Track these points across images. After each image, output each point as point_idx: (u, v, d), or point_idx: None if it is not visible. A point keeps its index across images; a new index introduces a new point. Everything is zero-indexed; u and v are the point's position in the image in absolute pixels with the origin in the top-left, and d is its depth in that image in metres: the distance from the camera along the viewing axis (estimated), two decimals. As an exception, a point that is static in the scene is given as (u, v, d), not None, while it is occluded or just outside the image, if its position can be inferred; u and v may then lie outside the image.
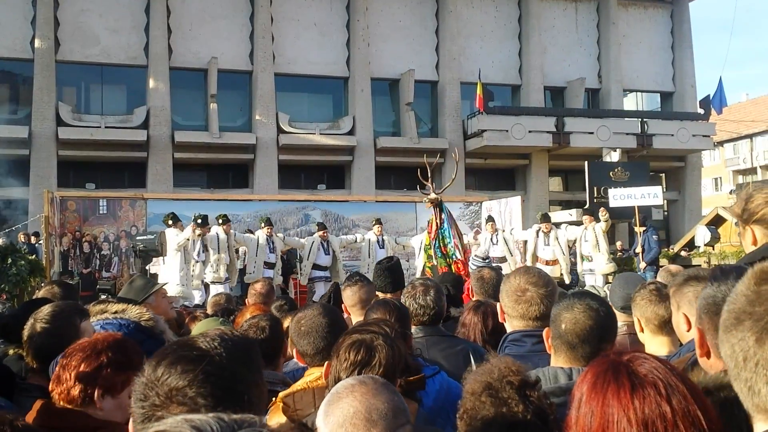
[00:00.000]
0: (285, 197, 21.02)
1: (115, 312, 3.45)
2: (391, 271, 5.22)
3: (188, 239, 12.96)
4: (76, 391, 2.32)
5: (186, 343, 1.62)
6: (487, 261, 13.59)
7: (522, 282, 3.16)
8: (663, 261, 15.37)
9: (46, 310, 3.00)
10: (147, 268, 13.18)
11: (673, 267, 5.64)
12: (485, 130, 27.30)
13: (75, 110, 25.31)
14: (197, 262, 13.48)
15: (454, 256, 10.25)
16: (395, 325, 2.73)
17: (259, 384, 1.62)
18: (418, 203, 18.96)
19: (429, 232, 10.70)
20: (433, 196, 10.49)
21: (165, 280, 12.44)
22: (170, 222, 13.28)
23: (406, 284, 4.61)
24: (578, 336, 2.57)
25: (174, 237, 12.98)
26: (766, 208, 2.72)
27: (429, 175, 10.92)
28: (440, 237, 10.38)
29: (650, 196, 15.55)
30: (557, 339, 2.62)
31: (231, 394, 1.51)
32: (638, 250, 14.93)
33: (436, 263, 10.20)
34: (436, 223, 10.44)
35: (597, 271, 14.44)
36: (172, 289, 12.43)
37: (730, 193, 41.48)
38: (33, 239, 16.03)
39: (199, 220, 13.45)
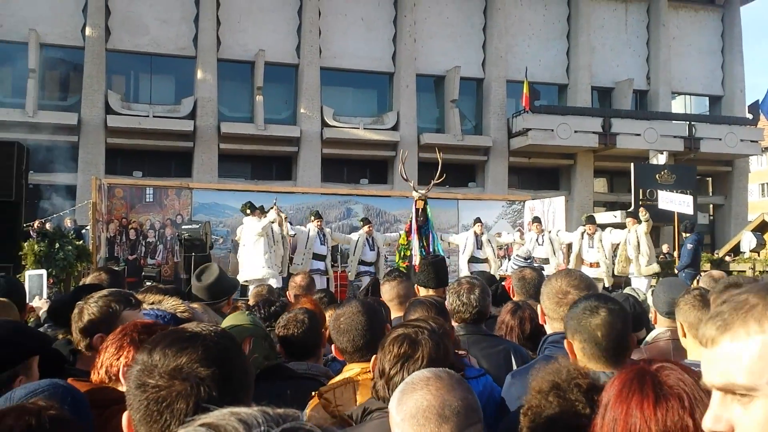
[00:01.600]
0: (327, 191, 21.10)
1: (152, 303, 3.50)
2: (435, 267, 5.14)
3: (272, 221, 13.08)
4: (103, 371, 2.42)
5: (175, 330, 1.64)
6: (529, 261, 13.48)
7: (563, 284, 3.14)
8: (706, 266, 15.11)
9: (95, 295, 3.08)
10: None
11: (716, 272, 5.55)
12: (530, 129, 27.13)
13: (124, 99, 25.70)
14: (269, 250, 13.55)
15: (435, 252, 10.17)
16: (444, 322, 2.73)
17: (248, 368, 1.63)
18: (461, 200, 18.94)
19: (407, 231, 10.56)
20: (422, 193, 10.45)
21: (248, 265, 12.84)
22: (248, 211, 13.36)
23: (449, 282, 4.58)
24: (614, 340, 2.54)
25: (254, 224, 13.07)
26: None
27: (404, 171, 10.95)
28: (423, 235, 10.29)
29: (684, 204, 15.33)
30: (593, 346, 2.56)
31: (227, 371, 1.52)
32: (675, 254, 14.79)
33: (416, 262, 9.95)
34: (418, 220, 10.37)
35: (636, 272, 14.28)
36: (260, 273, 12.82)
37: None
38: (69, 223, 16.29)
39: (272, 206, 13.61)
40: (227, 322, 3.43)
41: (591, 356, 2.57)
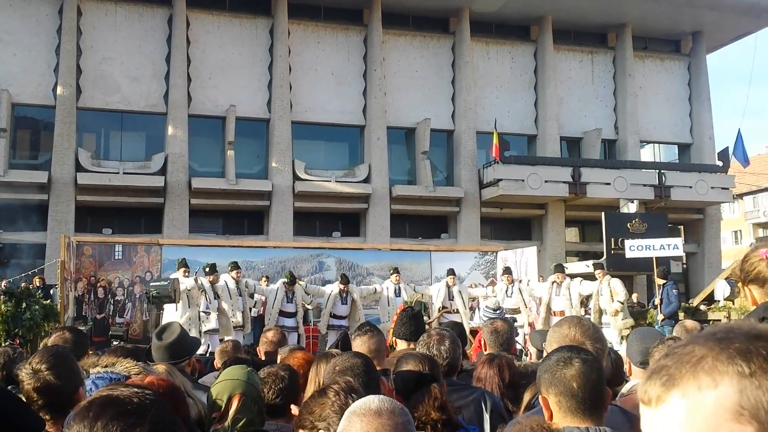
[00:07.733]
0: (300, 244, 21.03)
1: (105, 366, 3.40)
2: (417, 319, 5.13)
3: (189, 288, 13.05)
4: None
5: (113, 399, 1.53)
6: (498, 312, 13.38)
7: (578, 334, 3.03)
8: (681, 315, 15.08)
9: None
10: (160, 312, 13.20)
11: (689, 323, 5.51)
12: (501, 180, 27.29)
13: (94, 156, 25.58)
14: (206, 311, 13.47)
15: None
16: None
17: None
18: (433, 252, 18.91)
19: None
20: None
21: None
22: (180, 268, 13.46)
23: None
24: (590, 391, 2.48)
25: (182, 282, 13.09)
26: (759, 266, 2.66)
27: None
28: None
29: (670, 247, 15.28)
30: (569, 399, 2.49)
31: None
32: (656, 302, 14.66)
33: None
34: None
35: (612, 326, 14.22)
36: None
37: (751, 246, 41.04)
38: (37, 282, 16.05)
39: (207, 269, 13.58)
40: (224, 375, 3.33)
41: (568, 410, 2.49)
